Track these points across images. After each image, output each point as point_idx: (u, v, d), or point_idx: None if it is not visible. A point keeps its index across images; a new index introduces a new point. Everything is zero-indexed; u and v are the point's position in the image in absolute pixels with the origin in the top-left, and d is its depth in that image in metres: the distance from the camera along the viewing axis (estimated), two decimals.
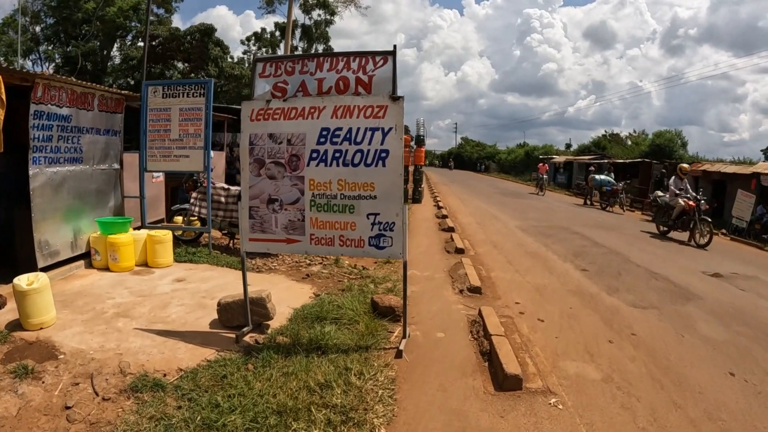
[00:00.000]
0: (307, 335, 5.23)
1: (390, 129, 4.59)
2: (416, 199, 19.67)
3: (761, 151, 43.37)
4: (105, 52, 38.24)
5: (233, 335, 5.26)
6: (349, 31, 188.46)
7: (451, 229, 12.75)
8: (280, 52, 48.95)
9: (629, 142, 49.64)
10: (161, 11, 41.93)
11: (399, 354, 4.95)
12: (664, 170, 20.92)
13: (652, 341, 5.80)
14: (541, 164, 33.11)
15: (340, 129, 4.74)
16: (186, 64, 37.00)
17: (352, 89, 4.84)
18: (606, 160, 35.14)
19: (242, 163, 5.18)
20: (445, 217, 15.11)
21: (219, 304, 5.58)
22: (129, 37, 41.10)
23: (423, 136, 19.88)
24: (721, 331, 6.32)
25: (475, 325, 5.89)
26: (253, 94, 5.24)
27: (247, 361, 4.59)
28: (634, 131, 55.21)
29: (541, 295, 7.49)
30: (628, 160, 32.18)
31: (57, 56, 39.67)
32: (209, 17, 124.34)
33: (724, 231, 17.25)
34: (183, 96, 9.09)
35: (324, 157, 4.82)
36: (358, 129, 4.68)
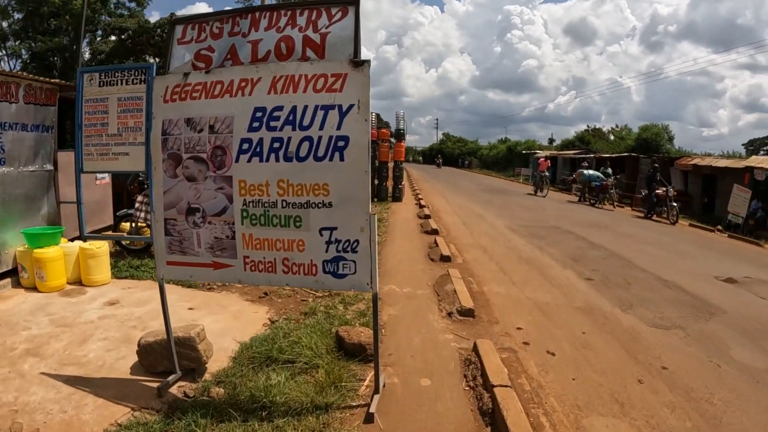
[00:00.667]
0: (248, 388, 3.85)
1: (350, 107, 3.19)
2: (396, 197, 18.31)
3: (742, 145, 42.77)
4: (75, 47, 36.19)
5: (157, 384, 3.96)
6: None
7: (434, 232, 11.38)
8: None
9: (612, 137, 48.90)
10: (133, 4, 40.10)
11: (370, 418, 3.57)
12: (656, 164, 19.74)
13: (686, 377, 4.58)
14: (542, 159, 29.82)
15: (281, 109, 3.34)
16: (158, 59, 35.12)
17: (298, 53, 3.43)
18: (592, 155, 34.13)
19: (154, 160, 3.76)
20: (427, 217, 13.76)
21: (139, 345, 4.21)
22: (100, 32, 39.14)
23: (403, 131, 18.50)
24: (758, 355, 5.21)
25: (470, 366, 4.50)
26: (168, 67, 3.82)
27: (168, 427, 3.36)
28: (617, 126, 54.48)
29: (546, 315, 6.14)
30: (614, 155, 31.12)
31: (23, 52, 37.68)
32: (188, 12, 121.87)
33: (720, 228, 16.19)
34: (121, 83, 7.55)
35: (258, 149, 3.42)
36: (306, 108, 3.27)
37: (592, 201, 21.93)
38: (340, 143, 3.18)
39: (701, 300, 7.11)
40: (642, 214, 18.59)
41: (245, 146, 3.44)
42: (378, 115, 57.45)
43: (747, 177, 17.01)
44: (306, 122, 3.24)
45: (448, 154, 77.49)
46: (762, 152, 39.22)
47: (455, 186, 30.51)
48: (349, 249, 3.32)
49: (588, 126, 54.70)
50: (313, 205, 3.33)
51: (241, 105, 3.45)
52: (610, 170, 23.26)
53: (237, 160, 3.48)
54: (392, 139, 19.68)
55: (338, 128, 3.18)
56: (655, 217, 17.77)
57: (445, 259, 8.67)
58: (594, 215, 17.65)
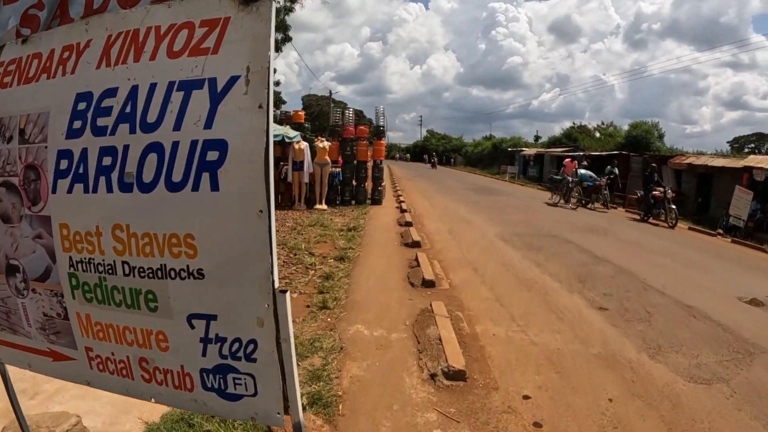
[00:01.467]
0: None
1: (231, 82, 1.59)
2: (376, 200, 16.76)
3: (727, 142, 41.69)
4: None
5: None
6: (313, 25, 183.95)
7: (416, 245, 9.88)
8: None
9: (597, 134, 47.78)
10: None
11: None
12: (654, 165, 18.46)
13: None
14: (568, 160, 24.23)
15: (113, 93, 1.75)
16: None
17: None
18: (581, 153, 32.86)
19: None
20: (408, 224, 12.24)
21: None
22: None
23: (383, 128, 16.98)
24: None
25: None
26: None
27: None
28: (602, 123, 53.40)
29: (559, 371, 4.64)
30: (604, 153, 29.85)
31: None
32: None
33: (720, 231, 14.95)
34: None
35: (81, 170, 1.84)
36: (153, 89, 1.69)
37: (584, 201, 20.62)
38: (211, 155, 1.60)
39: (734, 333, 5.81)
40: (638, 217, 17.43)
41: (63, 164, 1.89)
42: (360, 112, 55.93)
43: (746, 177, 16.00)
44: (152, 117, 1.67)
45: (432, 151, 76.02)
46: (747, 149, 38.07)
47: (440, 184, 29.02)
48: (240, 355, 1.75)
49: (574, 123, 53.65)
50: (172, 274, 1.75)
51: (59, 91, 1.90)
52: (617, 170, 21.80)
53: (54, 190, 1.93)
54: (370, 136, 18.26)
55: (207, 126, 1.60)
56: (651, 220, 16.71)
57: (428, 284, 7.13)
58: (589, 218, 16.32)
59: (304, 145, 14.86)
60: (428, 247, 9.94)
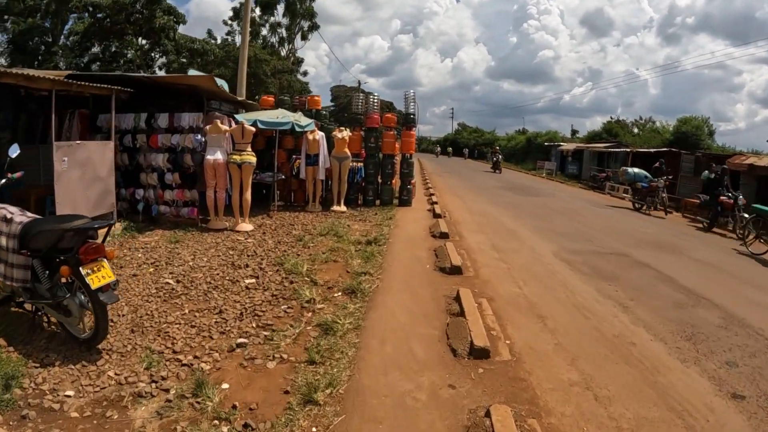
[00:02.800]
0: None
1: None
2: (404, 201, 14.09)
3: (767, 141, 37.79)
4: (59, 29, 31.71)
5: None
6: (342, 18, 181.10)
7: (455, 271, 7.31)
8: (264, 32, 43.17)
9: (635, 130, 44.60)
10: None
11: None
12: (725, 167, 15.54)
13: None
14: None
15: None
16: (145, 41, 30.59)
17: None
18: (623, 149, 29.82)
19: None
20: (444, 236, 9.69)
21: None
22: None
23: (413, 116, 14.24)
24: None
25: None
26: None
27: None
28: (640, 118, 50.32)
29: None
30: (652, 149, 26.72)
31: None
32: (202, 2, 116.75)
33: None
34: None
35: None
36: None
37: (637, 205, 17.81)
38: None
39: None
40: (700, 225, 14.89)
41: None
42: (390, 104, 53.09)
43: None
44: None
45: (463, 144, 72.79)
46: None
47: (473, 182, 26.24)
48: None
49: (611, 117, 50.41)
50: None
51: None
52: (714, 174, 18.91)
53: None
54: (399, 126, 15.60)
55: None
56: (715, 229, 14.37)
57: (480, 353, 4.53)
58: (648, 227, 13.64)
59: (320, 135, 12.35)
60: (471, 275, 7.36)
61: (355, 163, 13.18)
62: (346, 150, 12.55)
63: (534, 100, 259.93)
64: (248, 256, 7.98)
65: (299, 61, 45.26)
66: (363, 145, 13.75)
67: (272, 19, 41.98)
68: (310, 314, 5.50)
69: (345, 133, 12.55)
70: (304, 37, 43.86)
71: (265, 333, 4.97)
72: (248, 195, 10.02)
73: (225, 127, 9.81)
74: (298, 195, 13.48)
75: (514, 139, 59.73)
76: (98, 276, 4.35)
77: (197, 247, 8.39)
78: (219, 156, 9.66)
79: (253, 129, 10.01)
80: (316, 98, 14.60)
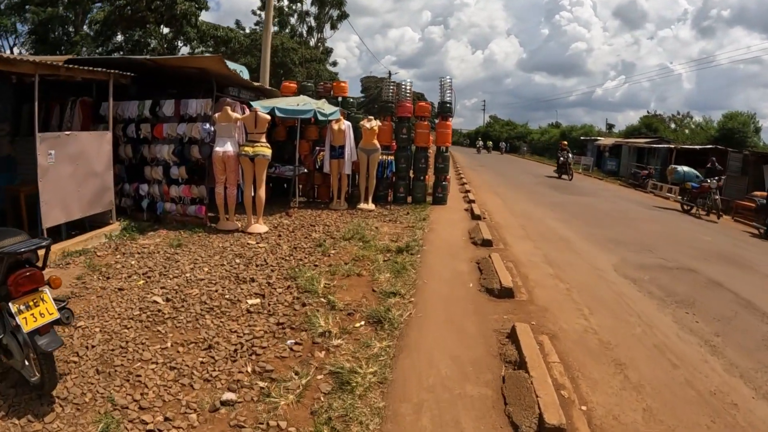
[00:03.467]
0: None
1: None
2: (438, 198, 12.72)
3: None
4: (80, 19, 30.75)
5: None
6: (371, 9, 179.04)
7: (506, 294, 5.93)
8: (293, 21, 41.95)
9: (672, 125, 42.37)
10: None
11: None
12: None
13: None
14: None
15: None
16: (168, 29, 29.48)
17: None
18: (666, 145, 27.96)
19: None
20: (486, 244, 8.32)
21: None
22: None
23: (450, 104, 12.77)
24: None
25: None
26: None
27: None
28: (678, 113, 47.96)
29: None
30: (698, 146, 24.83)
31: (19, 26, 31.77)
32: None
33: None
34: None
35: None
36: None
37: (686, 207, 16.14)
38: None
39: None
40: (756, 231, 13.20)
41: None
42: (421, 95, 51.35)
43: None
44: None
45: (495, 137, 70.70)
46: None
47: (508, 177, 24.63)
48: None
49: (648, 112, 48.24)
50: None
51: None
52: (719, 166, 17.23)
53: None
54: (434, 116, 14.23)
55: None
56: None
57: None
58: (705, 233, 12.09)
59: (346, 125, 11.06)
60: (525, 298, 5.97)
61: (384, 157, 11.81)
62: (375, 142, 11.22)
63: (566, 93, 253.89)
64: (257, 266, 6.76)
65: (329, 51, 44.04)
66: (394, 136, 12.40)
67: (301, 7, 40.73)
68: (322, 354, 4.23)
69: (374, 123, 11.21)
70: (333, 27, 42.52)
71: (262, 384, 3.73)
72: (262, 192, 8.80)
73: (236, 115, 8.60)
74: (322, 191, 12.23)
75: (547, 132, 57.69)
76: (35, 313, 3.23)
77: (200, 253, 7.22)
78: (229, 148, 8.46)
79: (268, 117, 8.75)
80: (342, 84, 13.22)
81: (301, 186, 12.66)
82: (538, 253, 8.25)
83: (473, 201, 13.12)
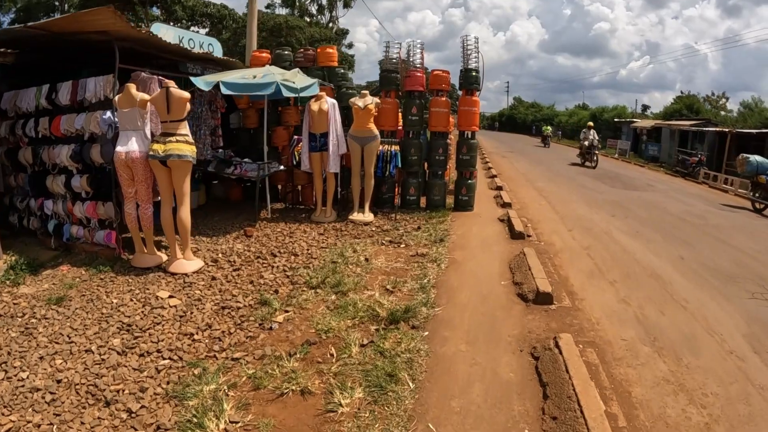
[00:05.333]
0: None
1: None
2: (463, 202, 9.15)
3: None
4: (65, 5, 27.37)
5: None
6: None
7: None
8: None
9: (708, 106, 38.19)
10: None
11: None
12: None
13: None
14: None
15: None
16: (161, 9, 26.05)
17: None
18: (713, 128, 23.95)
19: None
20: (544, 300, 4.79)
21: None
22: None
23: (477, 72, 9.07)
24: None
25: None
26: None
27: None
28: (713, 93, 43.85)
29: None
30: (754, 131, 20.81)
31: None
32: None
33: None
34: None
35: None
36: None
37: (758, 205, 12.50)
38: None
39: None
40: None
41: None
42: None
43: None
44: None
45: (520, 120, 66.16)
46: None
47: (544, 165, 20.72)
48: None
49: (682, 92, 43.80)
50: None
51: None
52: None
53: None
54: (456, 90, 10.56)
55: None
56: None
57: None
58: None
59: (329, 104, 7.64)
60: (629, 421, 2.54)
61: (386, 147, 8.32)
62: (372, 126, 7.75)
63: (590, 74, 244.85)
64: (140, 355, 3.57)
65: (344, 32, 40.24)
66: (404, 119, 8.92)
67: None
68: None
69: (369, 101, 7.73)
70: (346, 5, 38.79)
71: None
72: (184, 212, 5.48)
73: (142, 95, 5.27)
74: (307, 193, 8.87)
75: (576, 114, 53.14)
76: None
77: (77, 318, 4.32)
78: (134, 146, 5.26)
79: (185, 95, 5.35)
80: (329, 50, 9.42)
81: (280, 187, 9.31)
82: (629, 316, 4.70)
83: (509, 204, 9.59)
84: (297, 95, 7.31)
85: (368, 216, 7.90)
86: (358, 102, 7.66)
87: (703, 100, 41.10)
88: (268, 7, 37.04)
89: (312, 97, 7.65)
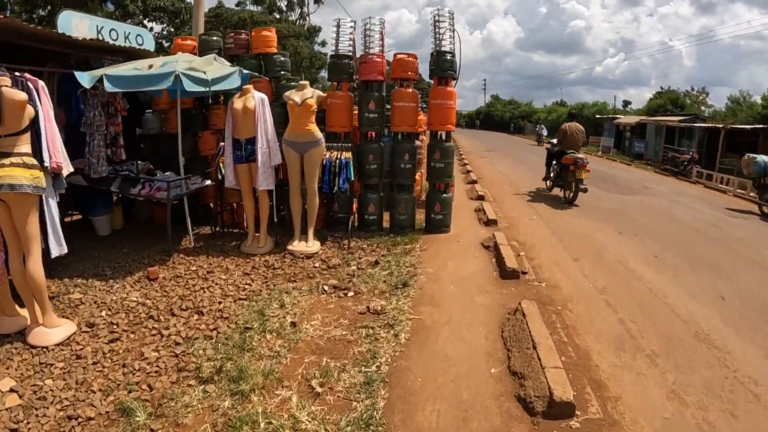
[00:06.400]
0: None
1: None
2: (437, 223, 7.03)
3: None
4: None
5: None
6: None
7: None
8: None
9: (688, 101, 37.15)
10: None
11: None
12: None
13: None
14: None
15: None
16: (115, 5, 23.56)
17: None
18: (702, 123, 22.53)
19: None
20: (564, 412, 2.90)
21: None
22: None
23: (452, 55, 6.78)
24: None
25: None
26: None
27: None
28: (692, 88, 43.04)
29: None
30: (749, 127, 19.36)
31: None
32: None
33: None
34: None
35: None
36: None
37: (766, 210, 11.09)
38: None
39: None
40: None
41: None
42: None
43: None
44: None
45: (497, 118, 64.50)
46: None
47: (527, 165, 18.93)
48: None
49: (662, 87, 42.72)
50: None
51: None
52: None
53: None
54: (426, 79, 8.74)
55: None
56: None
57: None
58: None
59: (257, 100, 5.69)
60: None
61: (335, 154, 6.38)
62: (312, 128, 5.82)
63: (567, 71, 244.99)
64: None
65: (316, 30, 38.00)
66: (358, 118, 6.98)
67: None
68: None
69: (308, 94, 5.80)
70: (317, 0, 36.69)
71: None
72: (33, 265, 3.61)
73: None
74: (242, 213, 6.87)
75: (554, 111, 51.91)
76: None
77: None
78: None
79: (21, 97, 3.41)
80: (266, 33, 7.18)
81: (212, 205, 7.37)
82: (689, 429, 2.88)
83: (494, 222, 7.72)
84: (207, 89, 5.33)
85: (312, 245, 5.97)
86: (294, 96, 5.72)
87: (683, 95, 40.07)
88: (238, 4, 34.83)
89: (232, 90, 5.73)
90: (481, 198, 9.82)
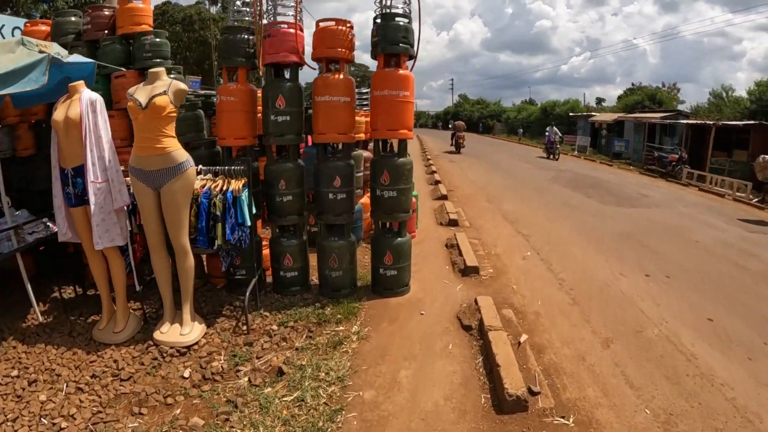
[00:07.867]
0: None
1: None
2: (388, 283, 4.66)
3: None
4: None
5: None
6: None
7: None
8: None
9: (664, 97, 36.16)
10: None
11: None
12: None
13: None
14: None
15: None
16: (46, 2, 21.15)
17: None
18: (686, 120, 20.93)
19: None
20: None
21: None
22: None
23: (407, 25, 4.44)
24: None
25: None
26: None
27: None
28: (663, 84, 42.07)
29: None
30: (740, 123, 17.84)
31: None
32: None
33: None
34: None
35: None
36: None
37: None
38: None
39: None
40: None
41: None
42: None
43: None
44: None
45: (466, 117, 62.91)
46: None
47: (502, 170, 16.79)
48: None
49: (633, 84, 41.58)
50: None
51: None
52: None
53: None
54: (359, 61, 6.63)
55: None
56: None
57: None
58: None
59: (85, 103, 3.37)
60: None
61: (219, 185, 3.90)
62: (167, 144, 3.46)
63: (533, 70, 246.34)
64: None
65: None
66: (263, 122, 4.52)
67: None
68: None
69: (161, 88, 3.45)
70: None
71: None
72: None
73: None
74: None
75: (524, 110, 50.45)
76: None
77: None
78: None
79: None
80: (135, 5, 4.62)
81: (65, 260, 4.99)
82: None
83: (475, 269, 5.43)
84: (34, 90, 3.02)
85: (189, 332, 3.66)
86: (138, 95, 3.42)
87: (655, 91, 38.97)
88: (198, 3, 32.20)
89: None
90: (453, 223, 7.58)
